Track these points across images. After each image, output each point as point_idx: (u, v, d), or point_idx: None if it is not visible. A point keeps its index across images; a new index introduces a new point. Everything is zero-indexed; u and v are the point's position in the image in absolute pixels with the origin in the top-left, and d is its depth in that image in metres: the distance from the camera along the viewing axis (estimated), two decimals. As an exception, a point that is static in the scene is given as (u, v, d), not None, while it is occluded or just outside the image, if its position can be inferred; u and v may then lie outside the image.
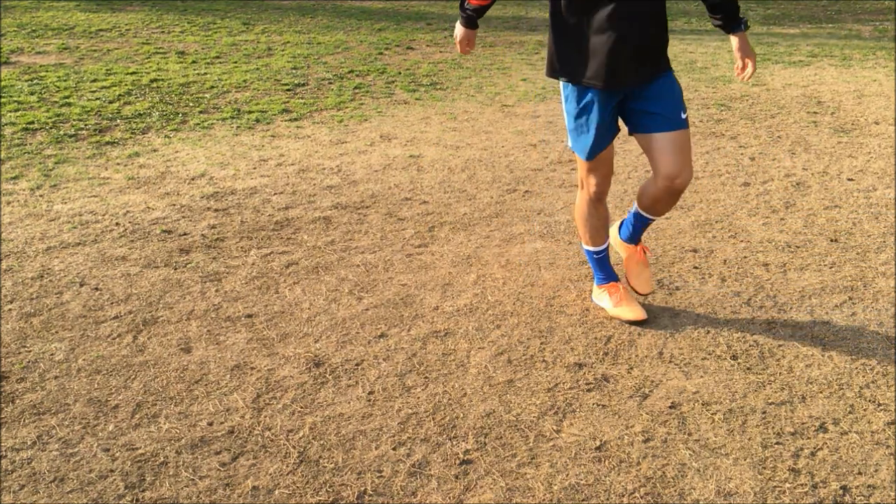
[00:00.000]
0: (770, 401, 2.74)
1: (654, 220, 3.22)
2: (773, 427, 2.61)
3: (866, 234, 4.08)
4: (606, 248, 3.29)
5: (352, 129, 6.01)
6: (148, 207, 4.43)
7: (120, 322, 3.25)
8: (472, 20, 3.16)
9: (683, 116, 2.92)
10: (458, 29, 3.22)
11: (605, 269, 3.31)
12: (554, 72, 2.97)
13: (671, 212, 4.33)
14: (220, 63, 8.18)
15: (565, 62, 2.90)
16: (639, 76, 2.86)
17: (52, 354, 3.02)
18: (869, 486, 2.36)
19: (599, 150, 3.00)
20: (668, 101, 2.90)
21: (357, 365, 2.97)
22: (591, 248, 3.28)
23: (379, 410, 2.71)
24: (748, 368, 2.94)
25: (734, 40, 2.96)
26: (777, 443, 2.54)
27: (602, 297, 3.32)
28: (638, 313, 3.23)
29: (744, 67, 2.98)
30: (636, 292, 3.35)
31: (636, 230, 3.29)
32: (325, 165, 5.15)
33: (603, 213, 3.20)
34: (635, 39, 2.79)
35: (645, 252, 3.39)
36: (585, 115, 2.95)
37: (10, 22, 10.20)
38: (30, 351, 3.04)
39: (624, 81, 2.85)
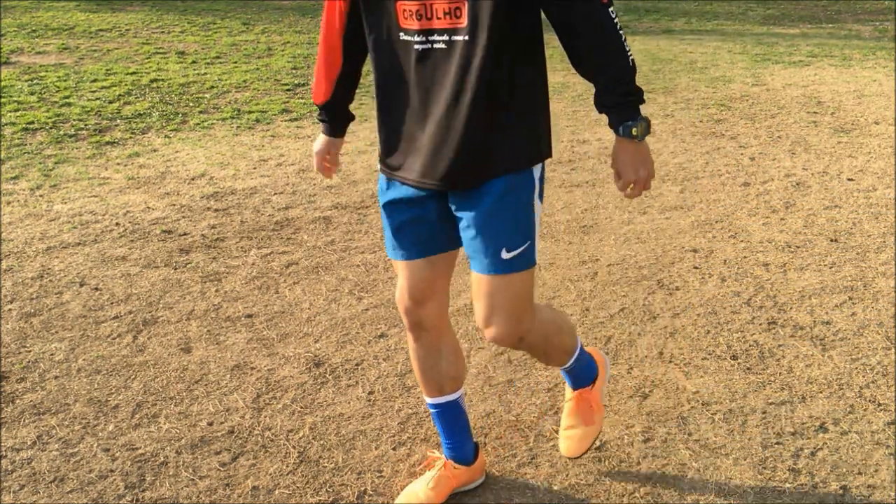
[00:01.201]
0: (770, 401, 2.74)
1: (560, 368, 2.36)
2: (773, 427, 2.61)
3: (866, 234, 4.08)
4: (448, 402, 2.24)
5: (352, 129, 5.99)
6: (148, 207, 4.43)
7: (120, 322, 3.25)
8: (331, 126, 2.32)
9: (506, 256, 1.92)
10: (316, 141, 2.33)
11: (448, 434, 2.28)
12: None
13: (671, 212, 4.34)
14: (220, 63, 8.18)
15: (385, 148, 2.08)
16: (452, 177, 1.91)
17: (52, 354, 3.02)
18: (869, 486, 2.36)
19: (405, 254, 2.07)
20: (489, 229, 1.92)
21: (357, 365, 2.97)
22: (427, 399, 2.28)
23: (379, 410, 2.71)
24: (748, 368, 2.93)
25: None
26: (777, 443, 2.54)
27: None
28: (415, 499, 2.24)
29: (625, 185, 1.89)
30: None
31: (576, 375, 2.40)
32: (325, 165, 5.15)
33: (425, 352, 2.19)
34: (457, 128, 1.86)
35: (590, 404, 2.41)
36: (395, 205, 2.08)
37: (10, 22, 10.20)
38: (30, 351, 3.04)
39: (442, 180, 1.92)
